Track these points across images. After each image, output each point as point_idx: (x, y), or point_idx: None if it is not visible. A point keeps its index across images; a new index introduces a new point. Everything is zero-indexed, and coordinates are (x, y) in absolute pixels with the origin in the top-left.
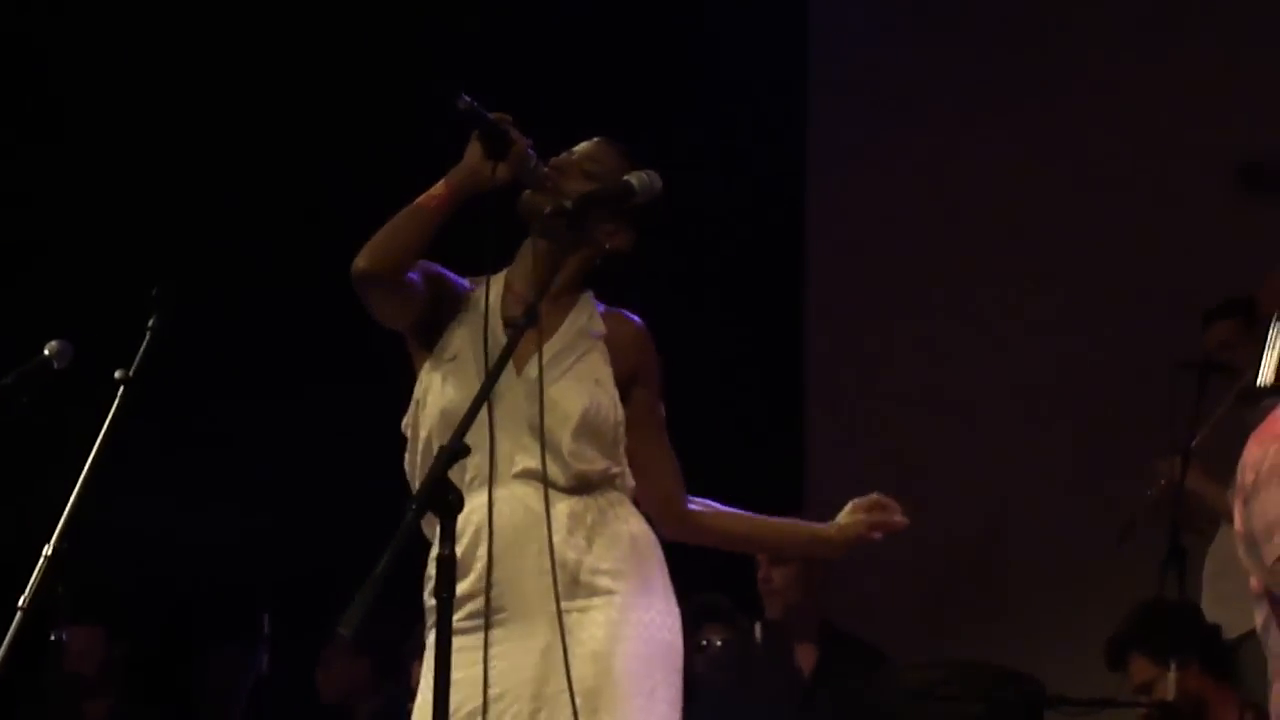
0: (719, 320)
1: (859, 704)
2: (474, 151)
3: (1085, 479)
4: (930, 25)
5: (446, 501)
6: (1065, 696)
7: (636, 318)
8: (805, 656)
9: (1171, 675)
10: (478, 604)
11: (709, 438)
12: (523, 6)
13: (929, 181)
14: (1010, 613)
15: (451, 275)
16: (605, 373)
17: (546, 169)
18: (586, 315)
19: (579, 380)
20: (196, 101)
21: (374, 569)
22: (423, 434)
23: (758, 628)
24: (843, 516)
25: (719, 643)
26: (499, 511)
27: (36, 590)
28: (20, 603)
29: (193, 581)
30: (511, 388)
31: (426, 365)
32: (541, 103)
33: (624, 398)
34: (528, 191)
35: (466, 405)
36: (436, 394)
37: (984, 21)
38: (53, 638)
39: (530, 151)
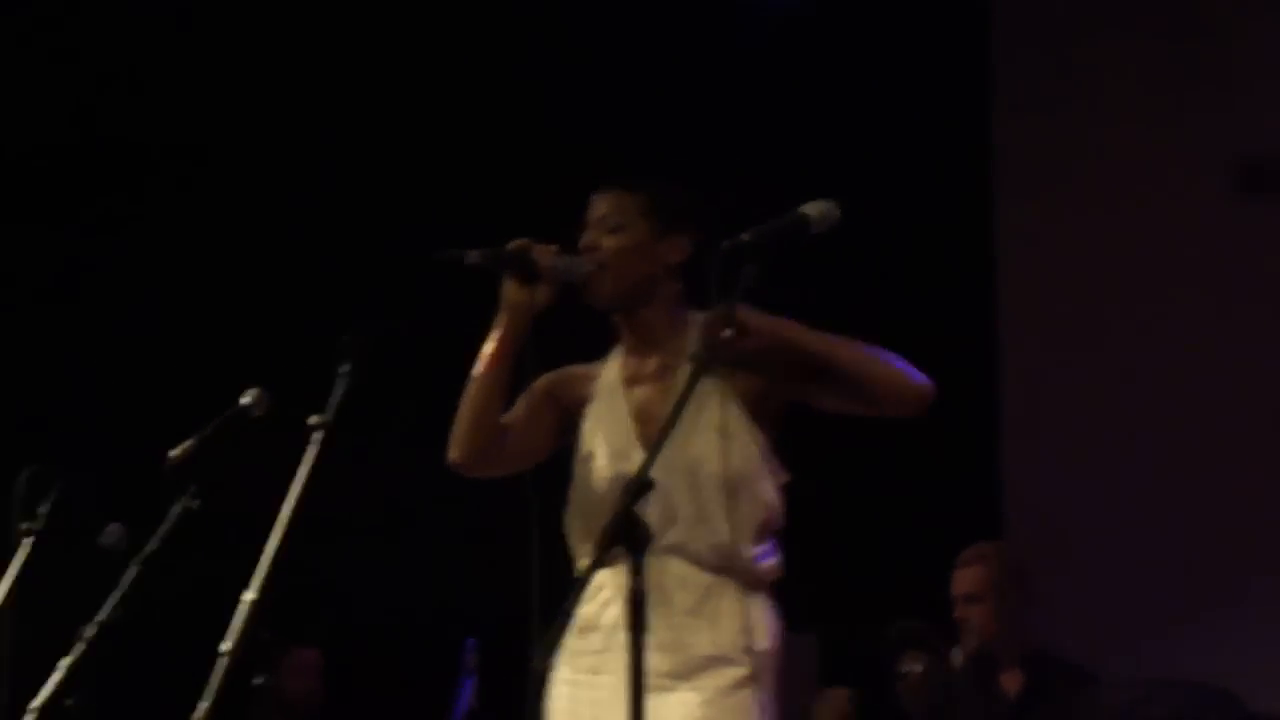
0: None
1: None
2: (508, 289)
3: None
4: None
5: (635, 536)
6: (1273, 714)
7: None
8: (1011, 682)
9: None
10: (590, 661)
11: (899, 451)
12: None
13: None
14: (1216, 627)
15: (574, 372)
16: (731, 412)
17: (582, 257)
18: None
19: (709, 437)
20: (388, 146)
21: (564, 604)
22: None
23: (957, 653)
24: None
25: (919, 669)
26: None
27: (240, 637)
28: (224, 648)
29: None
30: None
31: (574, 462)
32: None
33: (768, 380)
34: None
35: (603, 495)
36: (581, 491)
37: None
38: (258, 682)
39: (560, 253)
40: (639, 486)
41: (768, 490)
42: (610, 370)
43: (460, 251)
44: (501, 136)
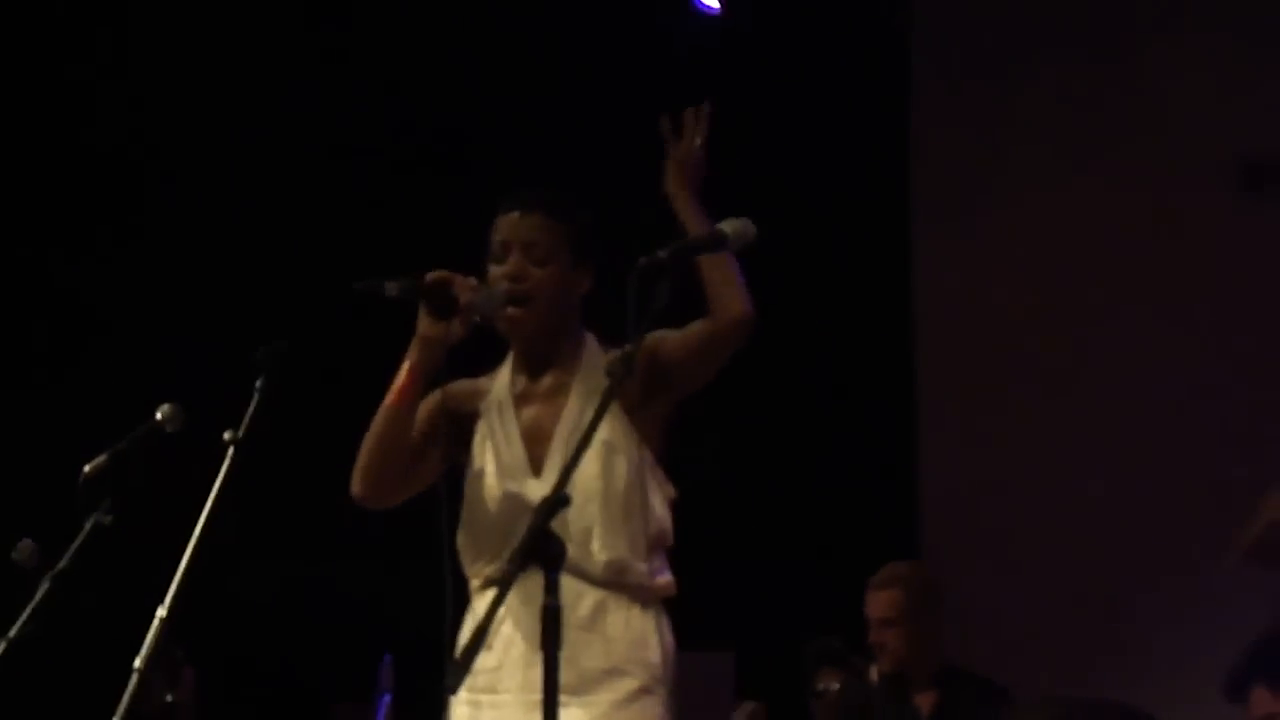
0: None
1: None
2: (423, 322)
3: (1204, 508)
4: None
5: (550, 553)
6: None
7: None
8: (925, 700)
9: None
10: (486, 679)
11: (820, 470)
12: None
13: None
14: (1131, 647)
15: (462, 387)
16: (617, 428)
17: (499, 287)
18: (595, 365)
19: (596, 453)
20: (302, 164)
21: (480, 625)
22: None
23: (873, 670)
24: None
25: (835, 687)
26: (530, 597)
27: (151, 653)
28: (135, 664)
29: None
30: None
31: (465, 480)
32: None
33: (651, 387)
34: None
35: (494, 514)
36: (473, 509)
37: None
38: (169, 699)
39: (477, 285)
40: (554, 503)
41: (658, 505)
42: (500, 386)
43: (379, 281)
44: (410, 160)
